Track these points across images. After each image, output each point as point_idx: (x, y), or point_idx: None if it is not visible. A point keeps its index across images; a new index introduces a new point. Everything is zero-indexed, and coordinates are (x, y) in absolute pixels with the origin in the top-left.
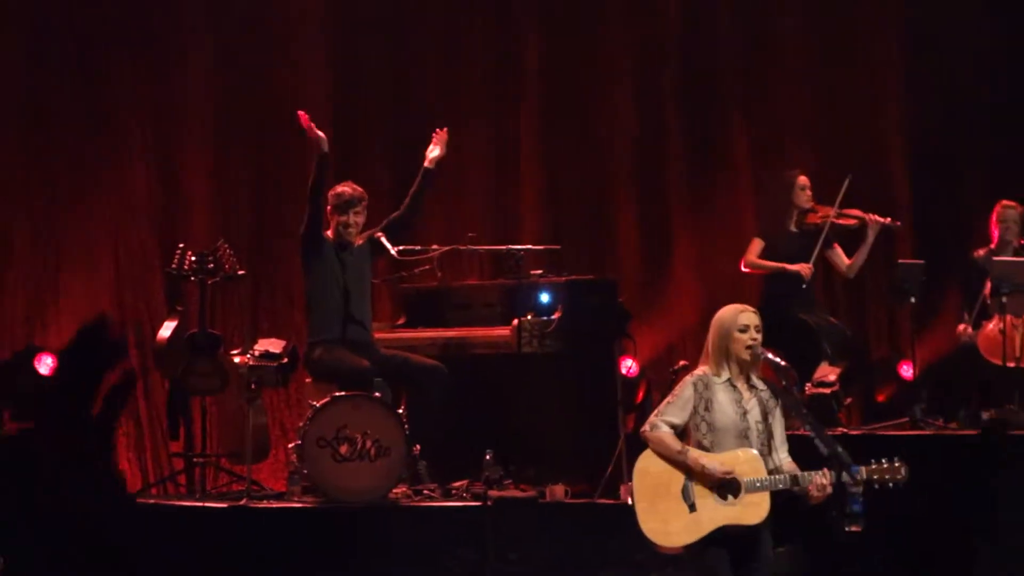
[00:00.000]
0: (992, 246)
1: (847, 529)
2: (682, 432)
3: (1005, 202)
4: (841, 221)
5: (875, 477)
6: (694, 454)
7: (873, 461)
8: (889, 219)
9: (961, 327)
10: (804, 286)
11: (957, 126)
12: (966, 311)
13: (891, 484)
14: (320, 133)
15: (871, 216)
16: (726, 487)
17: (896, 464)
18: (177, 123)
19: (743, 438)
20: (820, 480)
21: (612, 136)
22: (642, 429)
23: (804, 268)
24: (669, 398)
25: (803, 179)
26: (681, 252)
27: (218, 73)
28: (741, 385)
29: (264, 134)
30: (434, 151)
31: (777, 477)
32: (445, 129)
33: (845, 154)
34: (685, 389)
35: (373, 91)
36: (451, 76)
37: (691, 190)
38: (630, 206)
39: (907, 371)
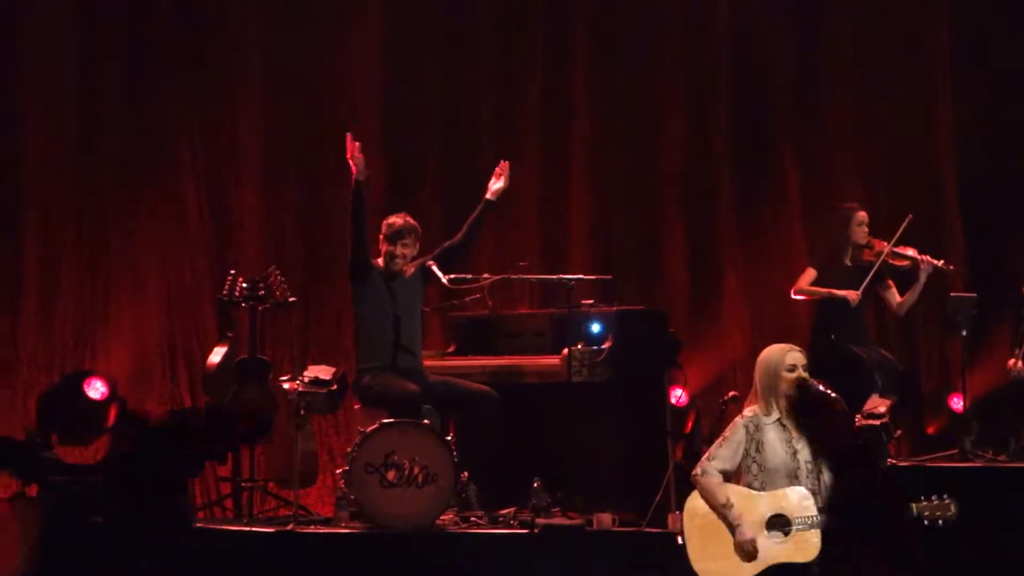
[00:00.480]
0: None
1: None
2: (732, 474)
3: None
4: (894, 261)
5: (925, 514)
6: (736, 512)
7: (923, 498)
8: (942, 262)
9: (1012, 362)
10: (852, 315)
11: (1010, 160)
12: (1017, 347)
13: (940, 522)
14: (359, 156)
15: (924, 257)
16: (775, 522)
17: (946, 501)
18: (228, 148)
19: (793, 478)
20: None
21: (662, 166)
22: (693, 472)
23: (852, 294)
24: (719, 441)
25: (862, 214)
26: (730, 283)
27: (269, 97)
28: (790, 424)
29: (315, 159)
30: (497, 183)
31: (827, 516)
32: (508, 163)
33: (896, 188)
34: (737, 432)
35: (425, 118)
36: (503, 104)
37: (741, 222)
38: (680, 237)
39: (957, 403)
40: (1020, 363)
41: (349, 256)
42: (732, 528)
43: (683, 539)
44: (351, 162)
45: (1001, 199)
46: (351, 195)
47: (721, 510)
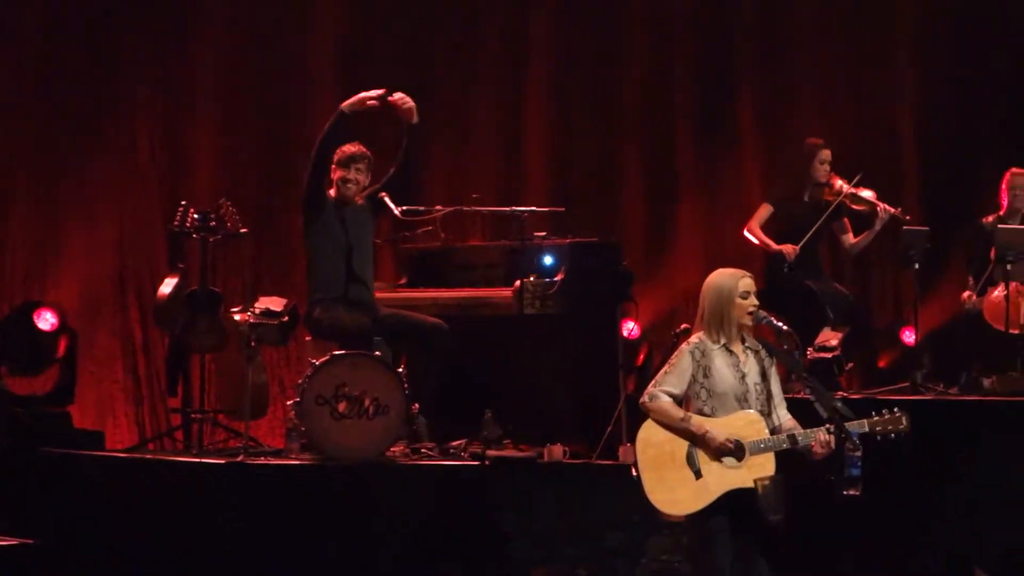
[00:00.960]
0: (1001, 213)
1: (845, 493)
2: (681, 400)
3: (1015, 169)
4: (853, 204)
5: (878, 429)
6: (697, 420)
7: (874, 413)
8: (899, 210)
9: (966, 294)
10: (805, 248)
11: (967, 91)
12: (971, 277)
13: (893, 435)
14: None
15: (882, 205)
16: (729, 452)
17: (897, 414)
18: (182, 82)
19: (743, 401)
20: (823, 436)
21: (619, 100)
22: (641, 400)
23: (787, 249)
24: (666, 367)
25: (826, 152)
26: (684, 217)
27: (224, 32)
28: (737, 348)
29: (270, 93)
30: (404, 114)
31: (780, 437)
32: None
33: (852, 122)
34: (683, 358)
35: (382, 51)
36: (460, 37)
37: (696, 156)
38: (636, 170)
39: (909, 337)
40: (974, 296)
41: (305, 186)
42: (699, 438)
43: (637, 471)
44: (368, 96)
45: (958, 130)
46: (331, 121)
47: (680, 425)
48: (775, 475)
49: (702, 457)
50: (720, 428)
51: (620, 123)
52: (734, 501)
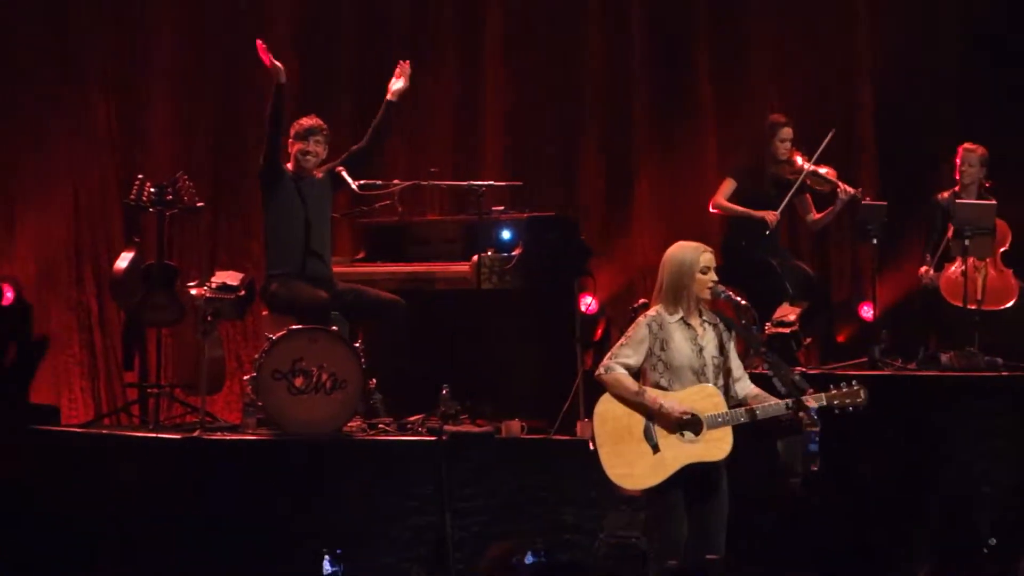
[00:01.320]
0: (956, 188)
1: (802, 468)
2: (638, 373)
3: (968, 145)
4: (813, 183)
5: (835, 402)
6: (652, 394)
7: (832, 386)
8: (859, 190)
9: (923, 269)
10: (768, 232)
11: (924, 67)
12: (928, 253)
13: (851, 408)
14: (278, 63)
15: (843, 185)
16: (686, 425)
17: (855, 387)
18: (138, 55)
19: (700, 375)
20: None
21: (577, 73)
22: (596, 372)
23: (770, 215)
24: (623, 339)
25: (786, 131)
26: (642, 191)
27: (182, 3)
28: (695, 321)
29: (226, 66)
30: (397, 83)
31: (738, 411)
32: (408, 61)
33: (811, 96)
34: (639, 330)
35: (338, 23)
36: (418, 9)
37: (654, 129)
38: (594, 144)
39: (867, 312)
40: (931, 271)
41: (262, 160)
42: (655, 410)
43: (594, 445)
44: (272, 65)
45: (916, 105)
46: (272, 98)
47: (635, 398)
48: (795, 436)
49: (659, 431)
50: (676, 402)
51: (578, 97)
52: (692, 475)
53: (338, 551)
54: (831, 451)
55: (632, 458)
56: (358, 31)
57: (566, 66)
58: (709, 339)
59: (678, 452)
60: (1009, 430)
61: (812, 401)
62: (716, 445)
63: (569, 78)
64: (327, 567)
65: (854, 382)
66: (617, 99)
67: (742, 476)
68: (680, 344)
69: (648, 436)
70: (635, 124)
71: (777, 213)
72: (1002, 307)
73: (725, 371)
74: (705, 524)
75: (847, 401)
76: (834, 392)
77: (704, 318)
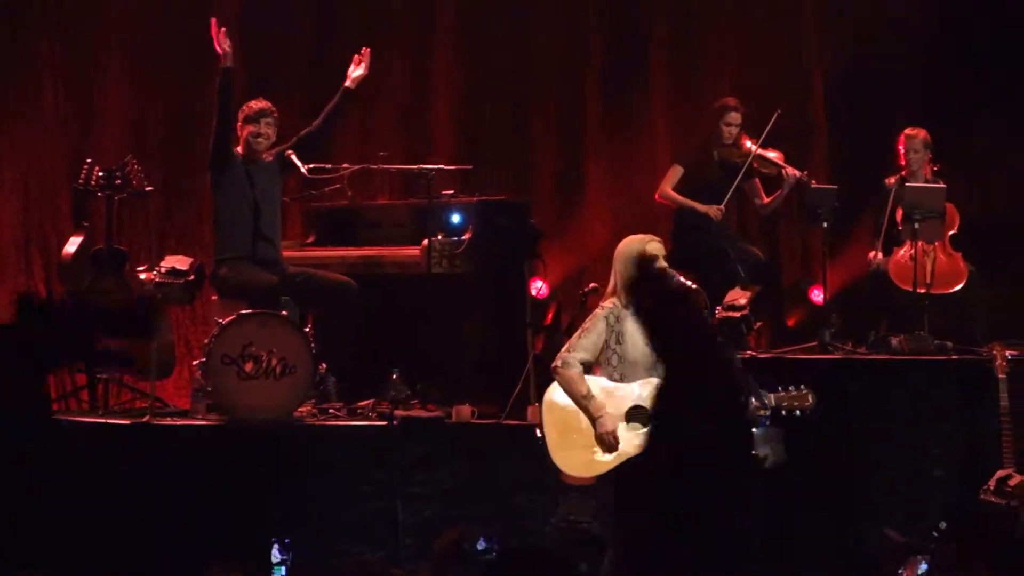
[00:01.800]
0: (902, 173)
1: (755, 453)
2: (593, 365)
3: (909, 130)
4: (760, 167)
5: (783, 404)
6: (597, 403)
7: (781, 388)
8: (805, 173)
9: (872, 254)
10: (713, 228)
11: (874, 49)
12: (876, 238)
13: (798, 412)
14: (227, 47)
15: (789, 169)
16: (634, 415)
17: (803, 391)
18: (88, 39)
19: (653, 369)
20: None
21: (528, 56)
22: (553, 364)
23: (713, 210)
24: (580, 332)
25: (733, 115)
26: (594, 175)
27: None
28: None
29: (177, 50)
30: (357, 71)
31: None
32: (368, 49)
33: (761, 78)
34: (597, 323)
35: (288, 7)
36: None
37: (606, 113)
38: (545, 128)
39: (818, 296)
40: (880, 255)
41: (212, 143)
42: (593, 420)
43: (542, 432)
44: (218, 47)
45: (867, 88)
46: (219, 81)
47: (582, 401)
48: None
49: None
50: (609, 423)
51: (529, 80)
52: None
53: (286, 540)
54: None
55: (577, 446)
56: (308, 15)
57: (517, 49)
58: None
59: (625, 443)
60: (958, 413)
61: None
62: None
63: (520, 61)
64: (276, 555)
65: (803, 386)
66: (569, 82)
67: None
68: (635, 337)
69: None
70: (586, 108)
71: (722, 207)
72: (951, 290)
73: None
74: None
75: (795, 404)
76: (782, 394)
77: None
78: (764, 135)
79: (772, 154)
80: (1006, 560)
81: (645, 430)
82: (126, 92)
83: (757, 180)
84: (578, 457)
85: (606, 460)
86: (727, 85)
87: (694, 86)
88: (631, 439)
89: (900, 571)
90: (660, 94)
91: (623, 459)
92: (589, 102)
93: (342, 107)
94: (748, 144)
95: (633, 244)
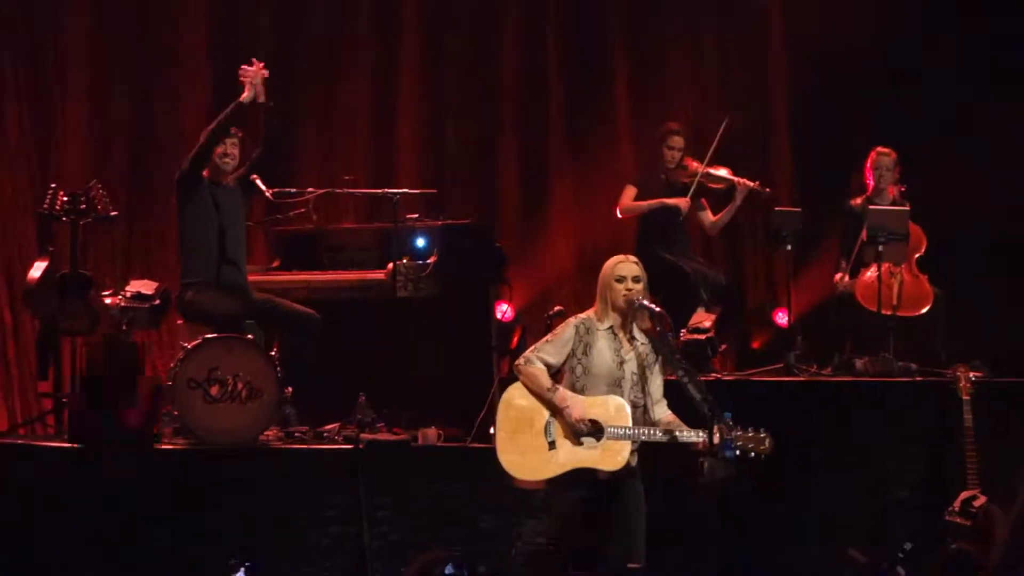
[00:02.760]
0: (868, 194)
1: (721, 476)
2: (556, 373)
3: (880, 149)
4: (710, 183)
5: (739, 444)
6: (561, 394)
7: (740, 429)
8: (758, 183)
9: (838, 276)
10: (675, 228)
11: (838, 73)
12: (843, 259)
13: (753, 454)
14: (259, 88)
15: (740, 180)
16: (585, 432)
17: (762, 435)
18: (52, 63)
19: (616, 386)
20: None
21: (492, 81)
22: (516, 362)
23: (682, 202)
24: (549, 336)
25: (675, 139)
26: (558, 198)
27: (94, 11)
28: (623, 336)
29: (140, 74)
30: (247, 94)
31: (641, 429)
32: (255, 64)
33: (725, 100)
34: (567, 330)
35: (251, 34)
36: (333, 16)
37: (570, 136)
38: (509, 151)
39: (782, 318)
40: (847, 277)
41: (188, 164)
42: (560, 411)
43: (494, 429)
44: (249, 83)
45: (830, 111)
46: (229, 109)
47: (546, 394)
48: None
49: (559, 431)
50: (584, 407)
51: (493, 104)
52: (602, 483)
53: (247, 563)
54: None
55: (526, 448)
56: (270, 40)
57: (481, 74)
58: (632, 356)
59: (572, 454)
60: (923, 435)
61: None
62: (611, 456)
63: (484, 86)
64: None
65: (762, 430)
66: (532, 107)
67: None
68: (603, 352)
69: (547, 432)
70: (550, 131)
71: (688, 199)
72: (918, 313)
73: (642, 390)
74: (624, 533)
75: (750, 446)
76: (740, 434)
77: (634, 335)
78: (711, 152)
79: (721, 171)
80: None
81: (598, 446)
82: (89, 116)
83: (704, 201)
84: (524, 460)
85: (550, 466)
86: (689, 107)
87: (657, 109)
88: (581, 451)
89: None
90: (623, 117)
91: (568, 469)
92: (552, 126)
93: (271, 127)
94: (694, 164)
95: (607, 263)
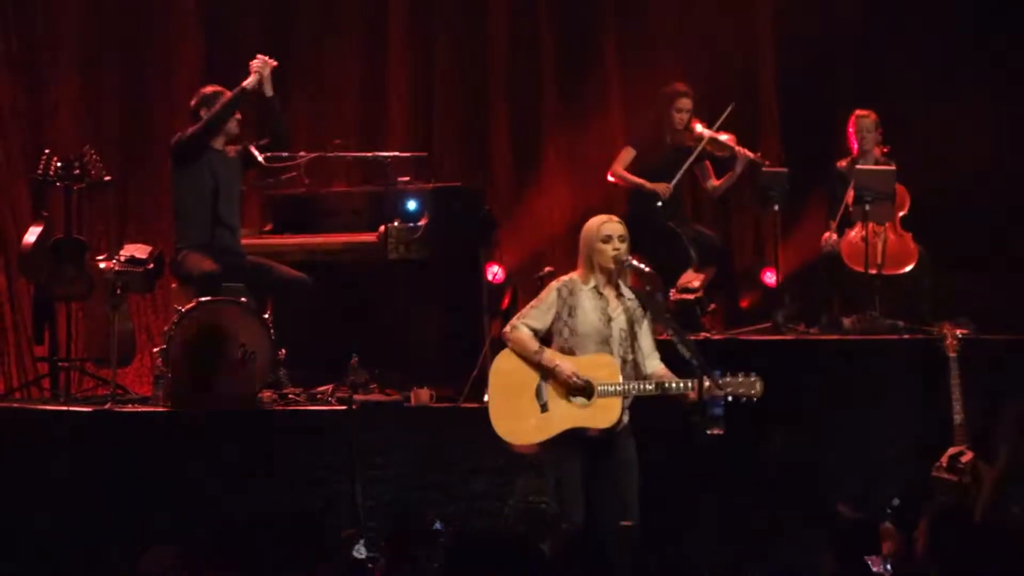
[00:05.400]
0: (854, 155)
1: (708, 432)
2: (546, 337)
3: (859, 112)
4: (714, 150)
5: (729, 390)
6: (549, 354)
7: (729, 374)
8: (758, 155)
9: (826, 235)
10: (660, 204)
11: (826, 31)
12: (831, 220)
13: (744, 399)
14: (266, 76)
15: (741, 149)
16: (577, 390)
17: (752, 379)
18: (45, 29)
19: (604, 344)
20: (693, 396)
21: (483, 42)
22: (504, 330)
23: (662, 188)
24: (533, 302)
25: (683, 102)
26: (549, 159)
27: None
28: (608, 293)
29: (133, 39)
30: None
31: (632, 384)
32: (260, 57)
33: (714, 61)
34: (549, 295)
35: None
36: None
37: (561, 98)
38: (500, 113)
39: (770, 278)
40: (835, 236)
41: (190, 139)
42: (550, 370)
43: (487, 397)
44: (255, 71)
45: (818, 70)
46: (233, 94)
47: (534, 357)
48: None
49: (551, 393)
50: (569, 366)
51: (483, 66)
52: (594, 442)
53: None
54: (735, 417)
55: (519, 413)
56: (264, 4)
57: (472, 35)
58: (620, 312)
59: (565, 414)
60: (910, 392)
61: (715, 390)
62: (603, 413)
63: (475, 47)
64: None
65: (753, 374)
66: (523, 68)
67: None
68: (588, 312)
69: (539, 395)
70: (541, 93)
71: (670, 186)
72: (902, 271)
73: (636, 347)
74: (616, 491)
75: (741, 391)
76: (730, 379)
77: (620, 292)
78: (718, 123)
79: (724, 137)
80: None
81: (589, 404)
82: (82, 82)
83: (708, 162)
84: (517, 424)
85: (544, 428)
86: (680, 68)
87: (648, 70)
88: (573, 411)
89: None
90: (615, 79)
91: (562, 429)
92: (544, 87)
93: (275, 118)
94: (700, 128)
95: (591, 222)
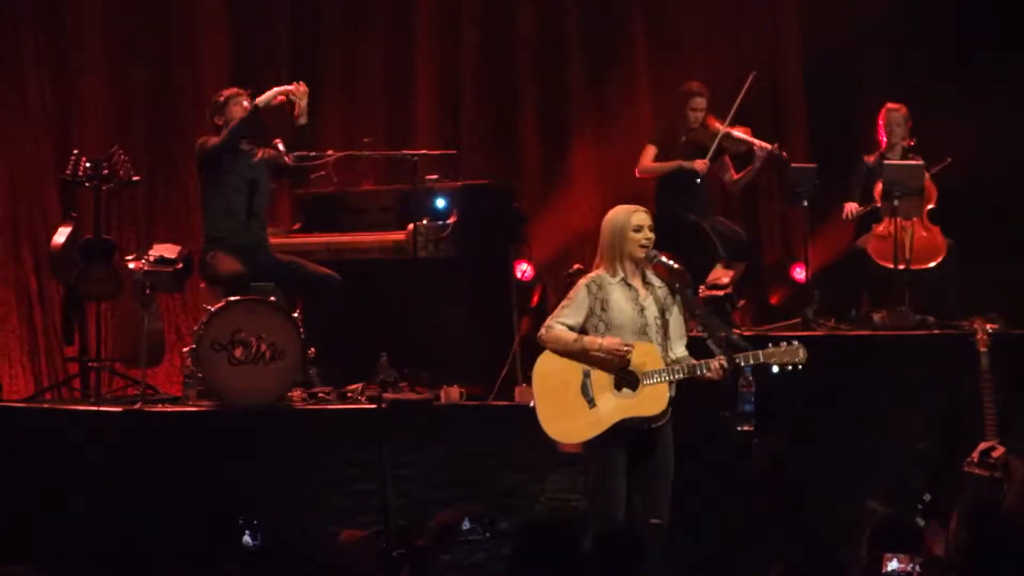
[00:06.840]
0: (882, 150)
1: (739, 429)
2: (578, 330)
3: (890, 105)
4: (730, 147)
5: (773, 360)
6: (588, 338)
7: (771, 344)
8: (776, 146)
9: (848, 206)
10: (695, 186)
11: (853, 28)
12: (851, 191)
13: (790, 367)
14: (299, 101)
15: (759, 143)
16: (624, 378)
17: (795, 346)
18: (72, 28)
19: (642, 334)
20: (715, 364)
21: (511, 40)
22: (539, 334)
23: (700, 164)
24: (564, 302)
25: (698, 100)
26: (578, 156)
27: None
28: (637, 283)
29: (161, 39)
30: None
31: (675, 367)
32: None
33: (741, 58)
34: (579, 292)
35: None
36: None
37: (590, 95)
38: (529, 111)
39: (800, 273)
40: (855, 205)
41: (208, 152)
42: (595, 349)
43: (534, 402)
44: (283, 95)
45: (846, 66)
46: (248, 115)
47: (575, 346)
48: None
49: (596, 387)
50: (613, 337)
51: (512, 63)
52: (634, 437)
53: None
54: (764, 412)
55: (568, 412)
56: (291, 2)
57: (500, 32)
58: (651, 301)
59: (613, 407)
60: (941, 387)
61: (751, 358)
62: (651, 401)
63: (504, 45)
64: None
65: (794, 341)
66: (552, 65)
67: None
68: (620, 303)
69: (584, 391)
70: (570, 90)
71: (707, 161)
72: (930, 265)
73: (664, 333)
74: (649, 488)
75: (786, 359)
76: (772, 349)
77: (647, 280)
78: (732, 112)
79: (741, 133)
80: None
81: (636, 394)
82: (110, 81)
83: (726, 157)
84: (569, 424)
85: (596, 423)
86: (707, 65)
87: (675, 67)
88: (621, 402)
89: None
90: (643, 76)
91: (614, 422)
92: (573, 84)
93: (305, 144)
94: (716, 125)
95: (617, 214)
